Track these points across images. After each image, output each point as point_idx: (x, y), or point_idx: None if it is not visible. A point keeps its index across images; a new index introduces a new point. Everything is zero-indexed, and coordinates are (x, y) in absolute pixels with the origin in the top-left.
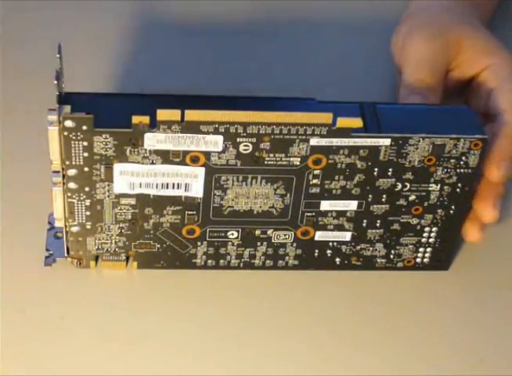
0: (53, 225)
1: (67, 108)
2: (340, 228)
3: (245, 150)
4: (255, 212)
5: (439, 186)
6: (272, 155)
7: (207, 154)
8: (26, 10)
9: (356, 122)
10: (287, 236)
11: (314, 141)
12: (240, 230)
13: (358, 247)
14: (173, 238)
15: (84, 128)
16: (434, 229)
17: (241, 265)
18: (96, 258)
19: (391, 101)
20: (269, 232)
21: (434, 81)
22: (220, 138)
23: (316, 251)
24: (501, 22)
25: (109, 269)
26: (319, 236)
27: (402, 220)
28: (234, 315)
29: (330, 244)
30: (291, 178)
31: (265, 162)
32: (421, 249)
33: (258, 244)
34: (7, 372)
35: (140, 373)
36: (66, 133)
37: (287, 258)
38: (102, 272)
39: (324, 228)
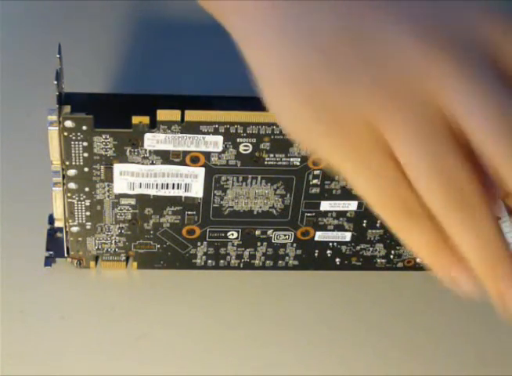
0: (53, 226)
1: (67, 108)
2: (340, 228)
3: (245, 150)
4: (255, 212)
5: None
6: (272, 155)
7: (207, 154)
8: (26, 10)
9: None
10: (287, 237)
11: None
12: (240, 230)
13: (358, 248)
14: (173, 238)
15: (84, 128)
16: None
17: (241, 265)
18: (96, 258)
19: None
20: (269, 232)
21: None
22: (220, 138)
23: (316, 251)
24: None
25: (109, 269)
26: (319, 236)
27: None
28: (234, 315)
29: (330, 244)
30: (291, 179)
31: (265, 162)
32: None
33: (258, 244)
34: (7, 372)
35: (140, 373)
36: (66, 133)
37: (287, 258)
38: (102, 272)
39: (324, 228)
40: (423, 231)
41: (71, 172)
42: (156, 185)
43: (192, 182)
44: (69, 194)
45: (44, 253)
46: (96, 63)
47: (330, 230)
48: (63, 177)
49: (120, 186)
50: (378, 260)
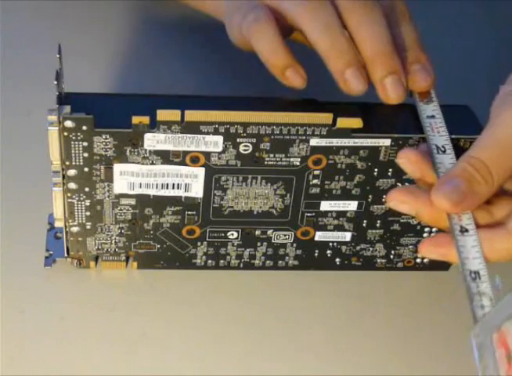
0: (53, 226)
1: (67, 108)
2: (340, 228)
3: (245, 150)
4: (255, 212)
5: None
6: (272, 155)
7: (207, 155)
8: (26, 10)
9: (356, 122)
10: (287, 237)
11: (314, 141)
12: (240, 230)
13: (359, 248)
14: (173, 238)
15: (84, 128)
16: (434, 229)
17: (241, 265)
18: (96, 259)
19: None
20: (269, 232)
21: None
22: (220, 138)
23: (316, 251)
24: None
25: (109, 269)
26: (319, 236)
27: (401, 220)
28: (234, 315)
29: (330, 244)
30: (291, 179)
31: (265, 162)
32: None
33: (258, 244)
34: (7, 372)
35: (140, 373)
36: (66, 133)
37: (287, 258)
38: (102, 272)
39: (324, 228)
40: (267, 36)
41: (71, 172)
42: (156, 185)
43: (192, 182)
44: (69, 194)
45: (44, 253)
46: (96, 63)
47: (330, 230)
48: (63, 177)
49: (120, 186)
50: (378, 260)
